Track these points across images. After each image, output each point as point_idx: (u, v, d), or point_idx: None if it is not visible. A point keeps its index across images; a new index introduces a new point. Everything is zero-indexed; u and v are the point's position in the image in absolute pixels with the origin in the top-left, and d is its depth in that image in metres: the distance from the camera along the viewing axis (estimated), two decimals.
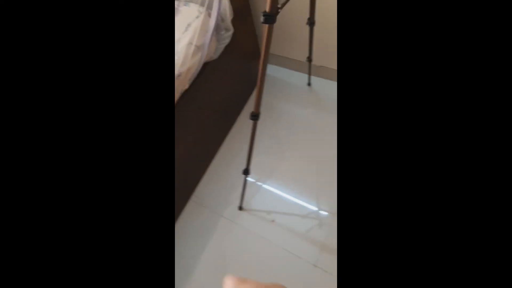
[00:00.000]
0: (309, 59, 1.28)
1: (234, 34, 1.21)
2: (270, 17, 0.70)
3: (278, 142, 1.44)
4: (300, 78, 1.56)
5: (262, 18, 0.70)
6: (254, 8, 1.40)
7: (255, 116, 0.97)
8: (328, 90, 1.51)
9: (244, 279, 0.29)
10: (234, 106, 1.53)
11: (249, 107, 1.57)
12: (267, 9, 0.69)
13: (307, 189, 1.32)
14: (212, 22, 1.17)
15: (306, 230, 1.24)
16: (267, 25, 0.72)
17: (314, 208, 1.28)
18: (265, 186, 1.37)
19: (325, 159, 1.36)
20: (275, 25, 0.71)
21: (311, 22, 1.04)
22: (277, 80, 1.60)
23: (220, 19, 1.22)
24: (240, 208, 1.31)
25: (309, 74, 1.47)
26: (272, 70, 1.65)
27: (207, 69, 1.19)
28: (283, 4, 0.69)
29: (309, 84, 1.53)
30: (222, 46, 1.24)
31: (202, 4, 1.21)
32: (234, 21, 1.20)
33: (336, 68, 1.45)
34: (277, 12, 0.71)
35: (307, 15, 1.07)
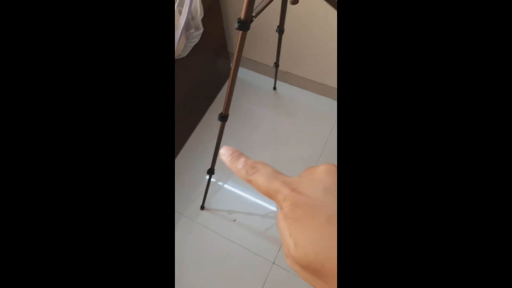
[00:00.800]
0: (276, 64, 1.33)
1: (203, 33, 1.22)
2: (244, 24, 0.72)
3: (242, 143, 1.47)
4: (266, 82, 1.60)
5: (236, 25, 0.72)
6: (224, 8, 1.41)
7: (223, 118, 0.99)
8: (292, 95, 1.57)
9: (240, 153, 0.28)
10: (200, 105, 1.53)
11: (215, 107, 1.57)
12: (242, 16, 0.71)
13: None
14: (182, 20, 1.16)
15: (266, 229, 1.29)
16: (240, 32, 0.74)
17: (274, 208, 1.33)
18: (227, 186, 1.39)
19: (287, 161, 1.42)
20: (249, 30, 0.74)
21: (280, 30, 1.08)
22: (244, 82, 1.63)
23: (190, 18, 1.21)
24: (202, 207, 1.31)
25: (275, 79, 1.52)
26: (240, 72, 1.67)
27: (174, 67, 1.18)
28: (258, 13, 0.72)
29: (274, 88, 1.57)
30: (191, 45, 1.23)
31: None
32: (204, 20, 1.20)
33: (300, 75, 1.52)
34: (251, 20, 0.73)
35: (277, 22, 1.11)
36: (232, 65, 0.81)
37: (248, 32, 0.74)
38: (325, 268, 0.20)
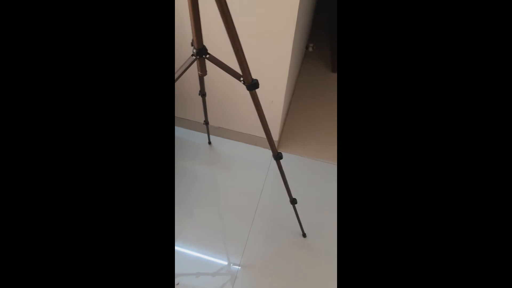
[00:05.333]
0: (206, 122, 1.41)
1: None
2: None
3: (183, 199, 1.47)
4: (201, 137, 1.66)
5: None
6: None
7: None
8: (226, 148, 1.65)
9: None
10: None
11: None
12: None
13: (216, 244, 1.36)
14: None
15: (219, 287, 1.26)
16: None
17: (225, 263, 1.31)
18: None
19: (227, 213, 1.44)
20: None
21: (202, 93, 1.17)
22: (180, 141, 1.67)
23: None
24: None
25: (208, 134, 1.60)
26: (176, 131, 1.72)
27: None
28: (178, 77, 0.78)
29: (209, 143, 1.64)
30: None
31: None
32: None
33: (231, 129, 1.62)
34: None
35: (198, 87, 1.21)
36: None
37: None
38: None
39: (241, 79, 0.81)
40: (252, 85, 0.82)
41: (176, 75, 0.82)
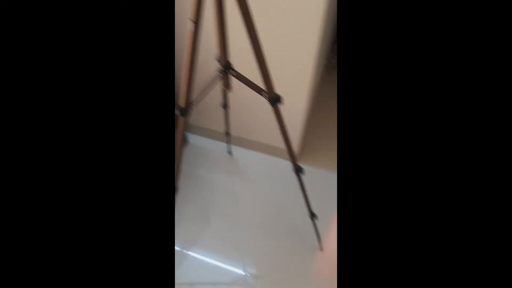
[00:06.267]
0: (227, 133, 1.43)
1: None
2: (184, 111, 0.81)
3: (201, 209, 1.49)
4: (221, 147, 1.69)
5: (177, 111, 0.81)
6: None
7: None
8: (246, 158, 1.66)
9: None
10: None
11: None
12: (181, 103, 0.80)
13: (233, 253, 1.36)
14: None
15: None
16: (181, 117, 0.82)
17: (241, 272, 1.32)
18: (190, 253, 1.37)
19: (247, 222, 1.45)
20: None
21: (224, 105, 1.19)
22: (200, 149, 1.70)
23: None
24: None
25: (228, 144, 1.62)
26: (197, 140, 1.75)
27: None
28: (198, 101, 0.81)
29: (229, 152, 1.66)
30: None
31: None
32: None
33: (252, 139, 1.63)
34: (191, 107, 0.82)
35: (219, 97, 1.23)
36: (177, 150, 0.88)
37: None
38: None
39: (263, 93, 0.82)
40: (275, 100, 0.83)
41: (202, 91, 0.84)
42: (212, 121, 1.63)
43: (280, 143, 1.58)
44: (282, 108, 1.37)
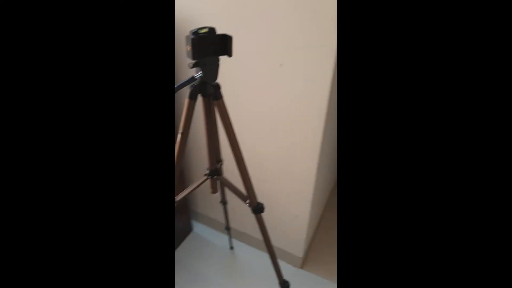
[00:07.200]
0: (227, 228, 1.41)
1: None
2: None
3: None
4: (224, 240, 1.64)
5: None
6: (189, 174, 1.59)
7: None
8: (247, 256, 1.58)
9: None
10: None
11: None
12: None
13: None
14: None
15: None
16: None
17: None
18: None
19: None
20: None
21: (223, 201, 1.20)
22: (202, 240, 1.66)
23: None
24: None
25: (230, 239, 1.57)
26: (200, 229, 1.73)
27: None
28: (179, 200, 0.83)
29: (231, 248, 1.60)
30: None
31: None
32: None
33: (256, 236, 1.57)
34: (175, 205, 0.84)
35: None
36: None
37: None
38: None
39: (247, 201, 0.83)
40: (257, 209, 0.83)
41: (188, 192, 0.87)
42: (213, 209, 1.62)
43: (283, 245, 1.50)
44: (283, 209, 1.33)
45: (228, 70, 1.03)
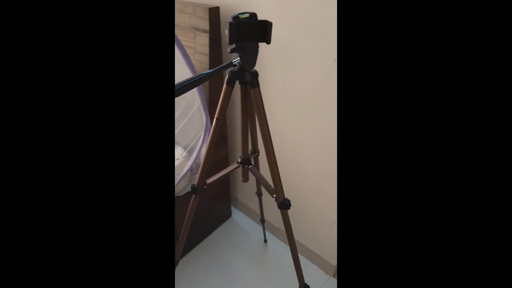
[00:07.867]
0: (262, 220, 1.40)
1: None
2: (195, 190, 0.85)
3: None
4: (259, 232, 1.64)
5: (189, 189, 0.86)
6: (231, 161, 1.62)
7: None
8: (281, 253, 1.56)
9: None
10: (190, 244, 1.58)
11: (201, 247, 1.61)
12: (196, 182, 0.85)
13: None
14: (187, 166, 1.37)
15: None
16: (193, 195, 0.86)
17: None
18: None
19: None
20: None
21: (258, 193, 1.20)
22: (236, 227, 1.68)
23: (195, 165, 1.42)
24: None
25: (264, 231, 1.56)
26: (238, 217, 1.76)
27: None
28: (211, 182, 0.85)
29: (265, 241, 1.60)
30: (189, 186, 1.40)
31: (185, 148, 1.44)
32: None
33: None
34: (203, 187, 0.86)
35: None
36: (182, 231, 0.91)
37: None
38: None
39: (274, 196, 0.81)
40: (282, 204, 0.80)
41: (218, 176, 0.89)
42: (255, 203, 1.62)
43: (318, 250, 1.45)
44: (320, 213, 1.27)
45: (276, 60, 1.00)
